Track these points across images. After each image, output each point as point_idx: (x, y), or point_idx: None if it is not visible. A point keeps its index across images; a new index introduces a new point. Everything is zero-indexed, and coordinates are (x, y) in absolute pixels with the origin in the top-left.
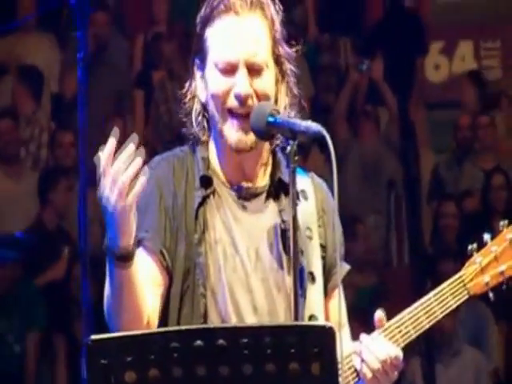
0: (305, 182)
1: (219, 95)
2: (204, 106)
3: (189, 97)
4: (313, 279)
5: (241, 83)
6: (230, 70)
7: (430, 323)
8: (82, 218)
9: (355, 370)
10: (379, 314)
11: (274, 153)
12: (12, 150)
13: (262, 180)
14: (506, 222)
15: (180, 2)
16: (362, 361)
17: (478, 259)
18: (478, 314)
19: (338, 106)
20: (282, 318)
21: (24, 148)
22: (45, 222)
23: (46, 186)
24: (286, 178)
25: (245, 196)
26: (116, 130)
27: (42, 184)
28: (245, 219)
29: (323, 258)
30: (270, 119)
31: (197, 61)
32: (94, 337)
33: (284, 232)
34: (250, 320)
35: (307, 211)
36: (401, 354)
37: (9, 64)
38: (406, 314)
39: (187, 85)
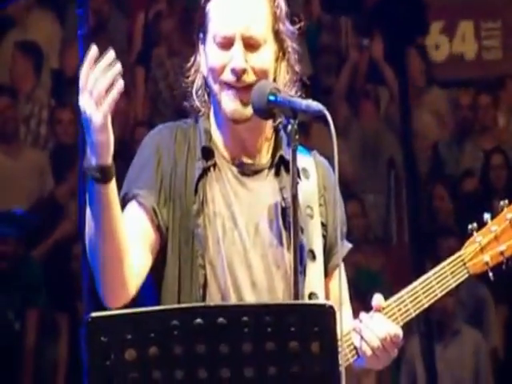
0: (306, 160)
1: (216, 69)
2: (205, 80)
3: (192, 71)
4: (313, 257)
5: (236, 57)
6: (226, 43)
7: (430, 302)
8: (81, 195)
9: (354, 348)
10: (377, 298)
11: (276, 130)
12: (11, 128)
13: (264, 157)
14: (507, 201)
15: None
16: (362, 338)
17: (478, 238)
18: (477, 295)
19: (337, 86)
20: (281, 295)
21: (24, 125)
22: (57, 198)
23: (59, 162)
24: (287, 155)
25: (245, 172)
26: (94, 48)
27: (56, 160)
28: (244, 195)
29: (324, 236)
30: (271, 98)
31: (200, 35)
32: (93, 314)
33: (284, 210)
34: (249, 295)
35: (308, 190)
36: (400, 332)
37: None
38: (405, 292)
39: (192, 59)
